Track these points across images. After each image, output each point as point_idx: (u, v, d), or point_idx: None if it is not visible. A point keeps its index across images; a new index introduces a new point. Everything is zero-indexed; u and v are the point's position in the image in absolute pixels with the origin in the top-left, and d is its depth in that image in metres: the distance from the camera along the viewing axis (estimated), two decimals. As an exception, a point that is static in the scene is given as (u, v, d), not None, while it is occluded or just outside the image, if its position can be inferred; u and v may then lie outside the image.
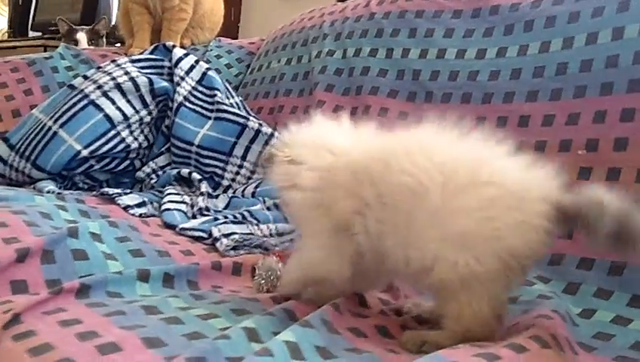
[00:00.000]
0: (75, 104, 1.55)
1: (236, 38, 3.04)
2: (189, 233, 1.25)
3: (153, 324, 0.79)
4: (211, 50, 2.20)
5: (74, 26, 2.97)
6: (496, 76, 1.35)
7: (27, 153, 1.52)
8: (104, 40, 3.07)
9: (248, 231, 1.25)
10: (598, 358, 0.82)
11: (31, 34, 3.87)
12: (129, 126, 1.58)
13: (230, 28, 3.20)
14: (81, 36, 2.94)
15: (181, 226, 1.27)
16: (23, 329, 0.77)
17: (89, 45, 2.88)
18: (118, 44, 3.08)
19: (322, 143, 0.87)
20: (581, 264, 1.03)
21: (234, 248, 1.18)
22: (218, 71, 1.98)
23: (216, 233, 1.21)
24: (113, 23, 3.41)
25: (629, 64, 1.14)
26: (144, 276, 0.98)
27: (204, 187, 1.47)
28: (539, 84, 1.27)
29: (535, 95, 1.26)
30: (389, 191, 0.78)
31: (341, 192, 0.82)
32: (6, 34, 4.28)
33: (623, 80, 1.14)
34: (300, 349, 0.72)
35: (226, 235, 1.20)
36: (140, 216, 1.34)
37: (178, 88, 1.65)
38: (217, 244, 1.19)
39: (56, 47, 2.14)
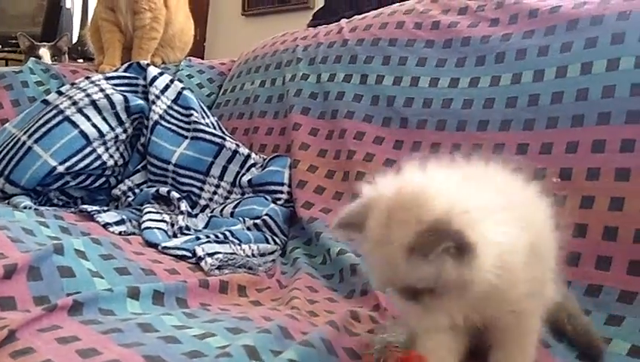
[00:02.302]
0: (50, 120, 1.55)
1: (202, 58, 3.06)
2: (172, 252, 1.26)
3: (152, 342, 0.81)
4: (182, 69, 2.21)
5: (35, 43, 2.94)
6: (469, 105, 1.40)
7: (0, 168, 1.51)
8: (66, 56, 3.05)
9: (232, 251, 1.27)
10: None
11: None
12: (105, 143, 1.59)
13: (196, 48, 3.21)
14: (44, 52, 2.90)
15: (164, 245, 1.28)
16: (20, 346, 0.77)
17: (52, 61, 2.86)
18: (81, 60, 3.06)
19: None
20: (558, 286, 1.08)
21: (218, 267, 1.20)
22: (189, 90, 2.00)
23: (200, 252, 1.23)
24: (75, 38, 3.39)
25: (598, 98, 1.21)
26: (134, 293, 0.99)
27: (184, 206, 1.48)
28: (512, 113, 1.32)
29: (508, 124, 1.31)
30: None
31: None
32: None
33: (592, 113, 1.20)
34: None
35: (210, 254, 1.22)
36: (120, 233, 1.34)
37: (154, 107, 1.66)
38: (202, 263, 1.20)
39: (19, 60, 2.13)
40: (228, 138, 1.66)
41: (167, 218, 1.44)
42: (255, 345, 0.80)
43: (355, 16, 1.87)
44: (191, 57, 2.36)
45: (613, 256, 1.06)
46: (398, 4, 1.78)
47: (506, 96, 1.35)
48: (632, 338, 0.94)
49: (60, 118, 1.56)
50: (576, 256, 1.08)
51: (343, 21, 1.88)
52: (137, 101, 1.66)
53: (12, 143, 1.53)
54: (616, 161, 1.13)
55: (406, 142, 1.46)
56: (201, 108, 1.74)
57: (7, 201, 1.49)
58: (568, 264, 1.06)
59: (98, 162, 1.57)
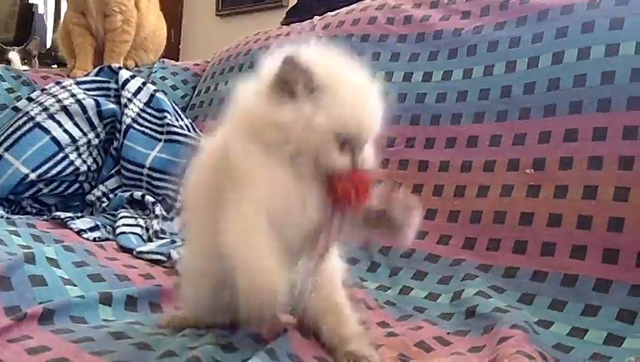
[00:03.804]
0: (20, 127, 1.53)
1: (177, 60, 3.04)
2: (147, 256, 1.25)
3: (124, 350, 0.79)
4: (156, 71, 2.19)
5: (4, 46, 2.90)
6: (443, 98, 1.40)
7: (-29, 177, 1.48)
8: (36, 60, 3.02)
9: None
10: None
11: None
12: (77, 149, 1.57)
13: (171, 49, 3.19)
14: (14, 55, 2.87)
15: (138, 249, 1.27)
16: (-12, 357, 0.76)
17: (22, 64, 2.83)
18: (55, 66, 3.03)
19: None
20: (535, 276, 1.07)
21: (194, 270, 1.18)
22: (163, 93, 1.97)
23: (175, 255, 1.21)
24: (49, 43, 3.36)
25: (569, 87, 1.21)
26: (107, 300, 0.97)
27: (159, 210, 1.47)
28: (485, 105, 1.32)
29: (482, 116, 1.31)
30: None
31: None
32: None
33: (564, 102, 1.20)
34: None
35: (186, 257, 1.21)
36: (94, 240, 1.33)
37: (126, 110, 1.64)
38: (177, 267, 1.19)
39: (-8, 67, 2.10)
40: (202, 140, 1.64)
41: (142, 222, 1.43)
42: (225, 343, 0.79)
43: (328, 13, 1.86)
44: (165, 59, 2.34)
45: (588, 245, 1.06)
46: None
47: (478, 89, 1.35)
48: (608, 327, 0.94)
49: (30, 124, 1.54)
50: (551, 246, 1.09)
51: (316, 18, 1.87)
52: (109, 105, 1.64)
53: (-18, 152, 1.50)
54: (588, 150, 1.13)
55: (380, 137, 1.45)
56: (175, 110, 1.72)
57: (-22, 211, 1.46)
58: (544, 254, 1.09)
59: (71, 168, 1.55)
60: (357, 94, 0.74)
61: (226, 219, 0.70)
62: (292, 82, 0.71)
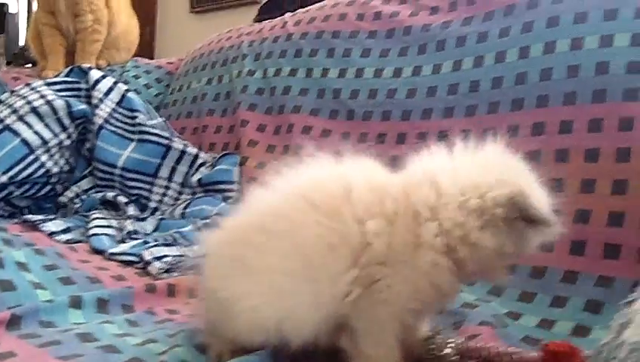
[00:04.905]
0: (-11, 129, 1.51)
1: (152, 57, 3.03)
2: (119, 258, 1.25)
3: (90, 353, 0.79)
4: (128, 70, 2.18)
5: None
6: (413, 94, 1.41)
7: (-59, 182, 1.47)
8: (4, 58, 2.99)
9: (180, 253, 1.25)
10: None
11: None
12: (48, 150, 1.55)
13: (145, 47, 3.17)
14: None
15: (110, 251, 1.27)
16: (-46, 365, 0.76)
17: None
18: (29, 65, 3.00)
19: None
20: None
21: (167, 271, 1.18)
22: (137, 91, 1.97)
23: (147, 256, 1.21)
24: (22, 43, 3.33)
25: (536, 81, 1.22)
26: (76, 303, 0.97)
27: (132, 210, 1.47)
28: (454, 100, 1.33)
29: (451, 111, 1.32)
30: None
31: None
32: None
33: (531, 96, 1.21)
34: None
35: (158, 258, 1.21)
36: (67, 242, 1.32)
37: (97, 110, 1.63)
38: (149, 268, 1.19)
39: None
40: (175, 138, 1.64)
41: (114, 223, 1.42)
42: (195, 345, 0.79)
43: (299, 10, 1.87)
44: (138, 57, 2.33)
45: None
46: (340, -5, 1.78)
47: (447, 84, 1.36)
48: (575, 318, 0.95)
49: (-1, 127, 1.52)
50: (520, 239, 1.10)
51: (287, 15, 1.87)
52: (80, 106, 1.63)
53: (-48, 156, 1.49)
54: (555, 143, 1.15)
55: (353, 134, 1.46)
56: (147, 109, 1.72)
57: (-51, 216, 1.45)
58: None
59: (42, 170, 1.54)
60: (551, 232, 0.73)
61: None
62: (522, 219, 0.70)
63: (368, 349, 0.72)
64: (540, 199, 0.72)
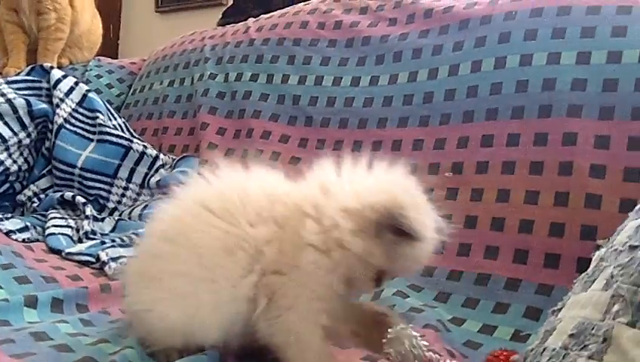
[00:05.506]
0: (-52, 127, 1.51)
1: (116, 55, 3.02)
2: (76, 258, 1.26)
3: (44, 352, 0.81)
4: (91, 69, 2.18)
5: None
6: (370, 103, 1.45)
7: None
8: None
9: (136, 254, 1.27)
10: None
11: None
12: (7, 148, 1.55)
13: (110, 45, 3.16)
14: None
15: (67, 251, 1.28)
16: None
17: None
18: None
19: None
20: (451, 275, 1.13)
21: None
22: (99, 91, 1.98)
23: (104, 257, 1.22)
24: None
25: (486, 95, 1.27)
26: (32, 302, 0.98)
27: (89, 210, 1.47)
28: (408, 111, 1.37)
29: (405, 121, 1.36)
30: None
31: None
32: None
33: (482, 109, 1.26)
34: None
35: (114, 259, 1.22)
36: (24, 241, 1.33)
37: (58, 110, 1.63)
38: (106, 268, 1.20)
39: None
40: (135, 139, 1.65)
41: (72, 223, 1.43)
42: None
43: (262, 16, 1.89)
44: (100, 57, 2.33)
45: (500, 246, 1.12)
46: (302, 3, 1.81)
47: (402, 94, 1.40)
48: (515, 324, 1.00)
49: (-41, 124, 1.52)
50: (467, 246, 1.14)
51: (250, 20, 1.90)
52: (41, 105, 1.63)
53: None
54: (502, 155, 1.20)
55: (310, 140, 1.49)
56: (108, 110, 1.72)
57: None
58: (460, 254, 1.14)
59: (1, 168, 1.54)
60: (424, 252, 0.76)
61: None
62: (392, 231, 0.72)
63: (297, 360, 0.75)
64: (421, 216, 0.72)
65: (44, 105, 1.64)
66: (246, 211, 0.75)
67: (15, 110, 1.58)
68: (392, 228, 0.71)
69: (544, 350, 0.59)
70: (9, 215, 1.47)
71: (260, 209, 0.75)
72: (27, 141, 1.60)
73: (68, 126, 1.62)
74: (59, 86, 1.67)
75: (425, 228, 0.72)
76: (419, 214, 0.72)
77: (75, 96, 1.68)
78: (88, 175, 1.58)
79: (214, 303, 0.74)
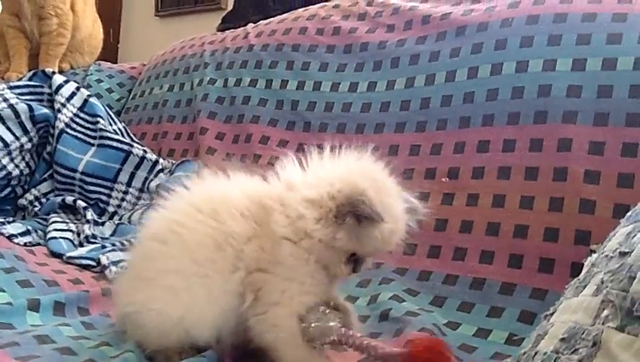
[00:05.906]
0: (-49, 132, 1.52)
1: (116, 59, 3.03)
2: (77, 261, 1.27)
3: (48, 355, 0.82)
4: (91, 74, 2.20)
5: None
6: (367, 108, 1.46)
7: None
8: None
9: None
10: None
11: None
12: (9, 153, 1.57)
13: (110, 49, 3.17)
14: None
15: (68, 255, 1.29)
16: None
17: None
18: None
19: None
20: (446, 280, 1.14)
21: (123, 275, 1.21)
22: (99, 95, 2.00)
23: (104, 261, 1.24)
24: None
25: (483, 101, 1.29)
26: (34, 306, 0.99)
27: (90, 214, 1.49)
28: (405, 116, 1.39)
29: (403, 126, 1.38)
30: None
31: None
32: None
33: (478, 115, 1.28)
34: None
35: (115, 263, 1.24)
36: (25, 244, 1.34)
37: (59, 115, 1.65)
38: (106, 272, 1.22)
39: None
40: (135, 144, 1.67)
41: (73, 227, 1.45)
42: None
43: (261, 21, 1.91)
44: (101, 61, 2.35)
45: (495, 251, 1.13)
46: (302, 9, 1.82)
47: (400, 100, 1.42)
48: (510, 327, 1.01)
49: (-38, 129, 1.53)
50: (462, 251, 1.16)
51: (250, 26, 1.91)
52: (42, 110, 1.64)
53: None
54: (498, 160, 1.21)
55: (308, 145, 1.50)
56: (108, 114, 1.74)
57: None
58: (455, 259, 1.16)
59: (3, 172, 1.55)
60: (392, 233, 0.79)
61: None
62: (352, 215, 0.75)
63: (289, 358, 0.78)
64: (384, 198, 0.77)
65: (46, 110, 1.65)
66: (228, 208, 0.79)
67: (17, 115, 1.60)
68: (352, 213, 0.75)
69: (536, 354, 0.61)
70: (11, 219, 1.49)
71: (241, 207, 0.79)
72: (29, 145, 1.62)
73: (69, 131, 1.64)
74: (60, 91, 1.69)
75: (388, 210, 0.76)
76: (381, 196, 0.76)
77: (77, 101, 1.69)
78: (89, 179, 1.60)
79: (207, 297, 0.77)
